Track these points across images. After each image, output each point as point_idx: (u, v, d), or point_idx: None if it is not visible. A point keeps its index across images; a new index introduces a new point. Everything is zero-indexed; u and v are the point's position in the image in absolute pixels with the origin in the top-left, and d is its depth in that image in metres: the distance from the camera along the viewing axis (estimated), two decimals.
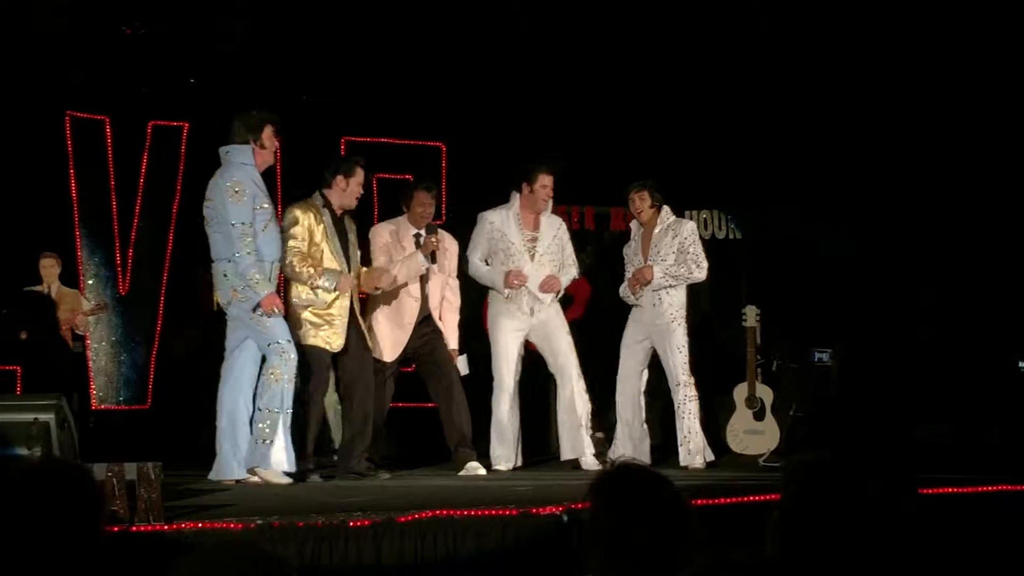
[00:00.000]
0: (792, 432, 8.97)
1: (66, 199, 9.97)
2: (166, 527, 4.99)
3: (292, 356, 7.27)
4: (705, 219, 11.13)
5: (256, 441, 7.23)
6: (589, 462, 8.26)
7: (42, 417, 6.91)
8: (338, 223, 7.87)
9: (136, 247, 10.18)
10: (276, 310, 7.22)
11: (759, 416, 8.92)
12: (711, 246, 8.99)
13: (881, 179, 10.68)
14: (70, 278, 9.90)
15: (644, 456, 8.35)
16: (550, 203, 8.56)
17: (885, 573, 2.63)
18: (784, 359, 9.71)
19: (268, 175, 8.24)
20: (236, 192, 7.21)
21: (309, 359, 7.71)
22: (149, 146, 10.19)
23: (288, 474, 7.23)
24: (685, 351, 8.38)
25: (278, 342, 7.25)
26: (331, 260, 7.73)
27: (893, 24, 10.13)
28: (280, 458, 7.18)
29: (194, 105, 10.10)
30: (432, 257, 8.15)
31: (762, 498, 5.69)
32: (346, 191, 7.85)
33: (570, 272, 8.61)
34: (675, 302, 8.44)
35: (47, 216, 9.88)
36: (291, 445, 7.24)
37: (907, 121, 10.53)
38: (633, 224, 8.75)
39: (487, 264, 8.54)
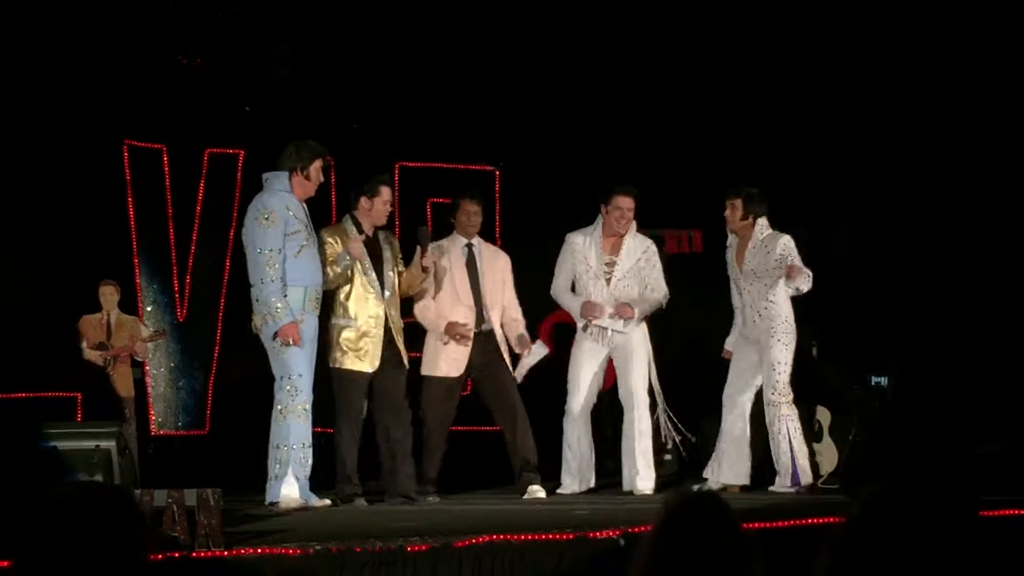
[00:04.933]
0: (852, 456, 8.86)
1: (124, 227, 10.07)
2: (226, 553, 5.02)
3: (301, 390, 7.24)
4: None
5: (269, 479, 7.26)
6: (642, 490, 8.22)
7: (103, 444, 7.01)
8: (371, 243, 7.89)
9: (193, 274, 10.27)
10: (291, 341, 7.20)
11: (817, 438, 8.83)
12: None
13: (928, 197, 10.59)
14: (129, 305, 10.00)
15: (743, 477, 8.29)
16: (633, 225, 8.41)
17: None
18: (841, 380, 9.62)
19: (321, 201, 8.34)
20: (265, 219, 7.25)
21: (341, 383, 7.75)
22: (205, 173, 10.29)
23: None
24: (781, 368, 8.08)
25: (290, 376, 7.24)
26: (360, 281, 7.77)
27: (955, 43, 10.07)
28: (290, 490, 7.17)
29: (249, 132, 10.19)
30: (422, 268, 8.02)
31: (822, 520, 5.65)
32: (371, 211, 7.90)
33: (650, 299, 8.40)
34: (779, 315, 8.14)
35: (106, 244, 9.99)
36: (303, 476, 7.24)
37: (954, 140, 10.44)
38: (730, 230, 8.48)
39: (572, 289, 8.47)
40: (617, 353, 8.41)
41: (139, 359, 9.94)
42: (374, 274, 7.82)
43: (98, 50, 9.67)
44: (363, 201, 7.88)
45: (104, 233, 9.98)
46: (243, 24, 10.06)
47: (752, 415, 8.38)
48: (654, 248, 8.53)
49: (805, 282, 8.11)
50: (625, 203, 8.35)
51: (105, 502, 2.83)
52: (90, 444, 7.01)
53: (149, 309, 10.19)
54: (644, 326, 8.44)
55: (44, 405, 9.41)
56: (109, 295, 9.77)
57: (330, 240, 7.76)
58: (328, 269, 7.65)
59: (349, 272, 7.71)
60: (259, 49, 10.12)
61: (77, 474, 6.73)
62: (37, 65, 9.59)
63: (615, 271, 8.37)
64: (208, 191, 10.27)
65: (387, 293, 7.86)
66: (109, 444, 7.04)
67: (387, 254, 7.95)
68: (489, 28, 10.28)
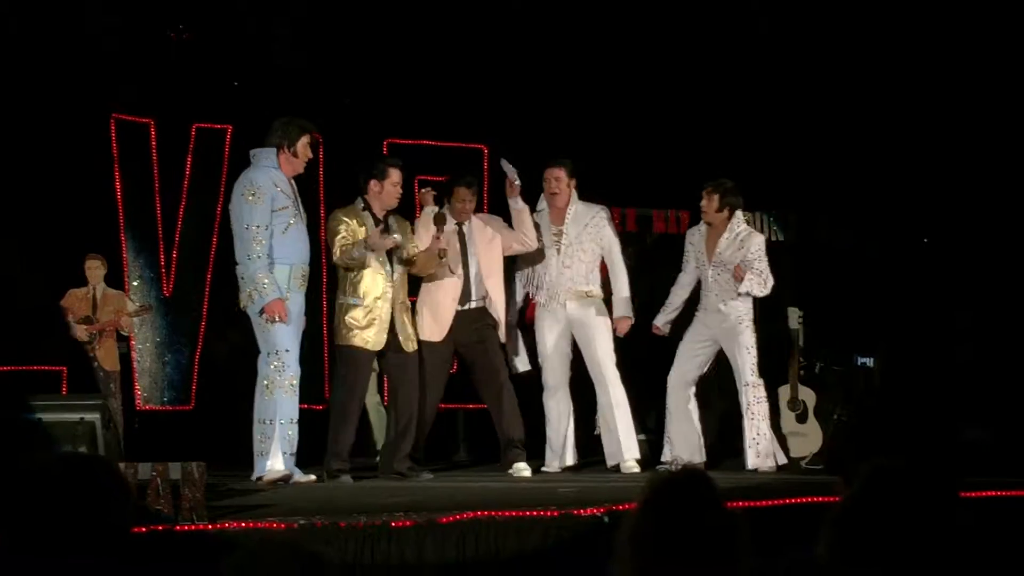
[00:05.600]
0: (835, 436, 8.90)
1: (111, 201, 10.04)
2: (210, 526, 5.02)
3: (288, 365, 7.23)
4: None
5: (255, 454, 7.25)
6: (630, 466, 8.23)
7: (88, 417, 7.01)
8: (381, 225, 7.88)
9: (180, 249, 10.24)
10: (278, 317, 7.18)
11: (801, 419, 8.85)
12: None
13: (912, 181, 10.62)
14: (115, 279, 9.97)
15: (698, 455, 8.35)
16: (574, 195, 8.50)
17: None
18: (827, 362, 9.65)
19: (310, 178, 8.33)
20: (253, 195, 7.24)
21: (347, 359, 7.73)
22: (193, 148, 10.25)
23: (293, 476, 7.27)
24: (754, 352, 8.25)
25: (277, 351, 7.23)
26: (374, 262, 7.74)
27: (954, 36, 10.07)
28: (276, 463, 7.16)
29: (237, 108, 10.16)
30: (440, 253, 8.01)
31: (805, 500, 5.67)
32: (381, 194, 7.88)
33: (620, 278, 8.50)
34: (745, 304, 8.30)
35: (93, 218, 9.96)
36: (289, 451, 7.23)
37: (954, 141, 10.45)
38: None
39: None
40: (576, 328, 8.45)
41: (125, 333, 9.92)
42: (386, 256, 7.81)
43: (87, 24, 9.63)
44: (373, 184, 7.85)
45: (91, 207, 9.95)
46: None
47: (698, 396, 8.53)
48: (603, 213, 8.60)
49: (757, 287, 8.21)
50: (552, 174, 8.50)
51: (87, 472, 2.82)
52: (74, 417, 7.00)
53: (135, 283, 10.16)
54: (600, 300, 8.47)
55: (29, 378, 9.39)
56: (95, 269, 9.75)
57: (346, 220, 7.77)
58: (337, 248, 7.66)
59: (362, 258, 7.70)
60: (248, 25, 10.07)
61: (61, 447, 6.72)
62: (25, 38, 9.55)
63: (563, 239, 8.45)
64: (195, 166, 10.23)
65: (396, 274, 7.86)
66: (93, 417, 7.03)
67: (396, 237, 7.90)
68: (479, 5, 10.24)
